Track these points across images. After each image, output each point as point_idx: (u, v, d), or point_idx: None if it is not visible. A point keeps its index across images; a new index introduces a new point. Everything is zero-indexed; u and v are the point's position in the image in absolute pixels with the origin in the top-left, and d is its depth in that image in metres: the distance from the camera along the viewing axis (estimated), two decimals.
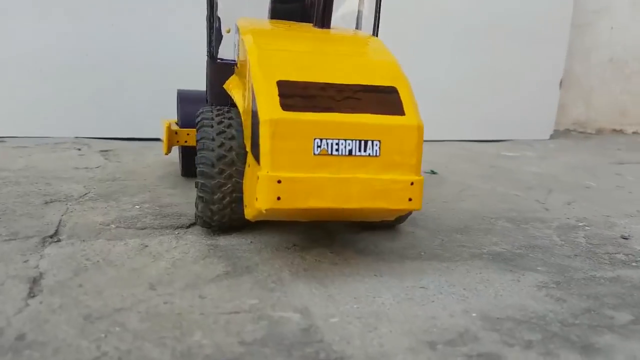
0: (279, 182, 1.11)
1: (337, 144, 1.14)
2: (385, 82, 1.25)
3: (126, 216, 1.62)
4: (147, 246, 1.39)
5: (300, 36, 1.50)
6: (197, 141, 1.47)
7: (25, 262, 1.24)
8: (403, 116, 1.19)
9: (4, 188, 1.83)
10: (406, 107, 1.21)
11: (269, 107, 1.15)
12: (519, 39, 3.80)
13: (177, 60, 2.96)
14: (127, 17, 2.94)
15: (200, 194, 1.42)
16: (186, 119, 2.07)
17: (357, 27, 1.99)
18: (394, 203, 1.14)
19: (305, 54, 1.35)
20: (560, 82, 4.11)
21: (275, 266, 1.29)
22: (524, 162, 3.06)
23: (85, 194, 1.84)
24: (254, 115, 1.20)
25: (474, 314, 1.05)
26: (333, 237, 1.51)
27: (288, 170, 1.12)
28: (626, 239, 1.61)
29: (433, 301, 1.11)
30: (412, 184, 1.14)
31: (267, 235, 1.50)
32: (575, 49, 4.24)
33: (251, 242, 1.46)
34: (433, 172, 2.52)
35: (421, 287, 1.17)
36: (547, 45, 3.94)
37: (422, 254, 1.41)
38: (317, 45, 1.44)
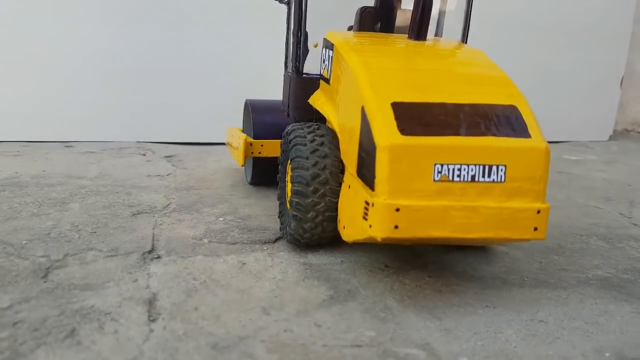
0: (398, 210, 1.08)
1: (459, 169, 1.10)
2: (503, 100, 1.20)
3: (214, 229, 1.62)
4: (244, 263, 1.39)
5: (402, 51, 1.46)
6: (290, 159, 1.46)
7: (134, 281, 1.25)
8: (529, 138, 1.14)
9: (89, 198, 1.86)
10: (530, 128, 1.16)
11: (387, 131, 1.12)
12: (578, 35, 3.67)
13: (232, 68, 2.98)
14: (187, 24, 2.94)
15: (295, 213, 1.41)
16: (259, 130, 2.06)
17: (436, 35, 1.94)
18: (519, 233, 1.10)
19: (415, 72, 1.31)
20: (622, 80, 3.96)
21: (376, 291, 1.27)
22: (589, 167, 2.96)
23: (168, 204, 1.85)
24: (368, 140, 1.16)
25: (607, 354, 1.02)
26: (424, 257, 1.48)
27: (406, 198, 1.09)
28: None
29: (558, 338, 1.07)
30: (538, 212, 1.10)
31: (354, 253, 1.48)
32: (635, 44, 4.08)
33: (341, 261, 1.44)
34: None
35: (540, 321, 1.14)
36: (608, 42, 3.79)
37: (525, 279, 1.37)
38: (423, 61, 1.39)
